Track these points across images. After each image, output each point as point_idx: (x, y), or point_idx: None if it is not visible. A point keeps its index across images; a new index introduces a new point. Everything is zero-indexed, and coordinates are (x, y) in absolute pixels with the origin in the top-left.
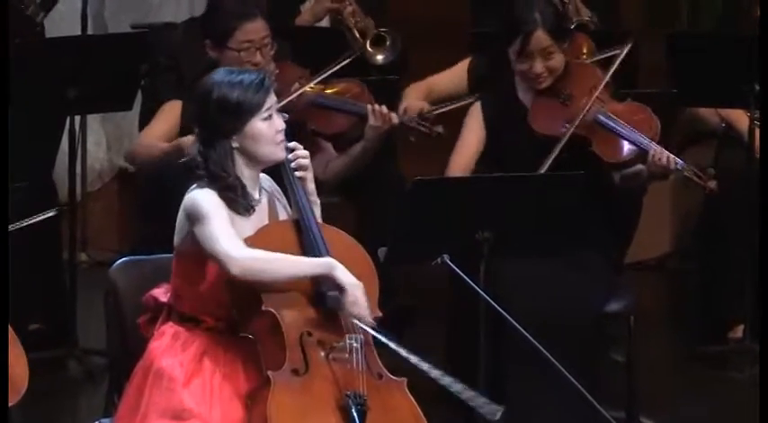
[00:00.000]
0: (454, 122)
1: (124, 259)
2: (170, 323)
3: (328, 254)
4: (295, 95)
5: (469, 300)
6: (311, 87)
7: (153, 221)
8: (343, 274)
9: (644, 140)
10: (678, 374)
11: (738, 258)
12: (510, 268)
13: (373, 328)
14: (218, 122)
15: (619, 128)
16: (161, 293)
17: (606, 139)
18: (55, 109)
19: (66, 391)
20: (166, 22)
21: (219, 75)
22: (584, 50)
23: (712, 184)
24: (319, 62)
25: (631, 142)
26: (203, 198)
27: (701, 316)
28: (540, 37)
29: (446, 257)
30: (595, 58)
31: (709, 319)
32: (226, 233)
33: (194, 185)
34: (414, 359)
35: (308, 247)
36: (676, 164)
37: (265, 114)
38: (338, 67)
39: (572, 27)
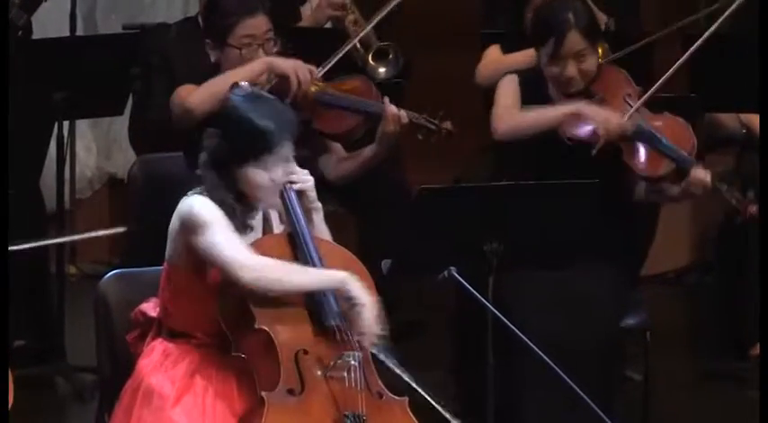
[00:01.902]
0: (463, 123)
1: (115, 272)
2: (159, 339)
3: (324, 266)
4: (299, 95)
5: (477, 315)
6: (316, 84)
7: (146, 232)
8: (359, 289)
9: (687, 157)
10: (696, 393)
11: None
12: (520, 281)
13: (377, 350)
14: (224, 150)
15: (658, 141)
16: (150, 308)
17: (641, 152)
18: (42, 113)
19: (54, 410)
20: (159, 23)
21: (248, 107)
22: (600, 54)
23: (753, 208)
24: (322, 62)
25: (672, 158)
26: (201, 206)
27: (720, 332)
28: (574, 39)
29: (453, 270)
30: (612, 57)
31: (728, 335)
32: (231, 239)
33: (191, 191)
34: (414, 383)
35: (302, 261)
36: (718, 185)
37: (265, 164)
38: (340, 55)
39: None
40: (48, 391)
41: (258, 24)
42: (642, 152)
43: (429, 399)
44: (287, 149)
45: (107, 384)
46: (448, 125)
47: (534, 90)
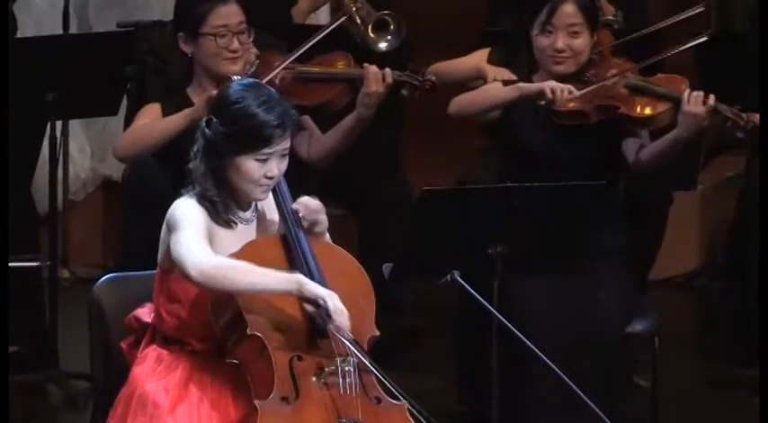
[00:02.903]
0: (467, 123)
1: (109, 276)
2: (153, 346)
3: (318, 269)
4: (275, 75)
5: (482, 320)
6: (291, 66)
7: (140, 235)
8: (313, 288)
9: (679, 94)
10: (706, 401)
11: None
12: (525, 286)
13: (351, 342)
14: (221, 138)
15: (649, 86)
16: (145, 313)
17: (634, 100)
18: (34, 113)
19: (47, 418)
20: (154, 20)
21: (251, 97)
22: (605, 43)
23: (755, 117)
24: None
25: (666, 97)
26: (182, 206)
27: (730, 338)
28: (569, 10)
29: (456, 274)
30: (615, 43)
31: (739, 341)
32: (194, 239)
33: (183, 190)
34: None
35: (296, 263)
36: (716, 104)
37: (262, 156)
38: (314, 41)
39: None
40: (40, 398)
41: (231, 13)
42: (634, 100)
43: (407, 401)
44: (285, 144)
45: (101, 392)
46: (432, 77)
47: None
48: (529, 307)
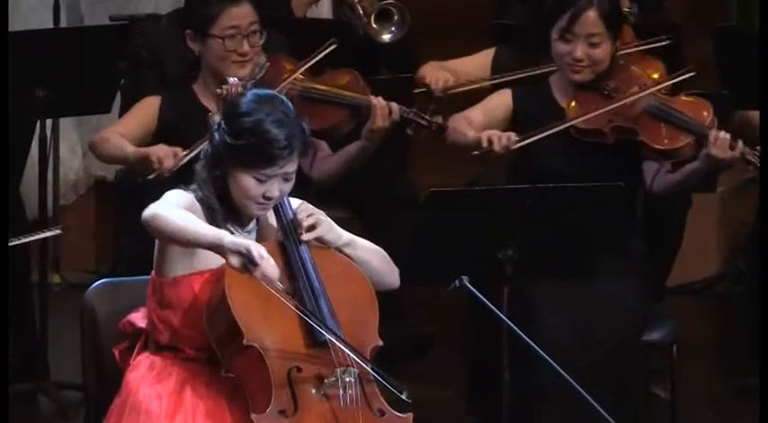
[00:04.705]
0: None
1: (102, 281)
2: (146, 353)
3: (318, 278)
4: (282, 88)
5: (491, 327)
6: (299, 78)
7: (134, 238)
8: (234, 239)
9: (703, 127)
10: (726, 411)
11: None
12: (537, 292)
13: (298, 308)
14: (225, 148)
15: (671, 113)
16: (139, 318)
17: (656, 127)
18: (23, 111)
19: None
20: (148, 14)
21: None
22: (627, 41)
23: None
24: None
25: (688, 129)
26: (170, 192)
27: (751, 346)
28: (591, 19)
29: (465, 279)
30: (637, 48)
31: (760, 349)
32: (163, 203)
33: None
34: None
35: (294, 269)
36: (743, 148)
37: (263, 177)
38: (324, 52)
39: None
40: (29, 409)
41: (243, 14)
42: (656, 128)
43: (379, 377)
44: (291, 167)
45: (93, 402)
46: (439, 119)
47: (537, 99)
48: (540, 314)
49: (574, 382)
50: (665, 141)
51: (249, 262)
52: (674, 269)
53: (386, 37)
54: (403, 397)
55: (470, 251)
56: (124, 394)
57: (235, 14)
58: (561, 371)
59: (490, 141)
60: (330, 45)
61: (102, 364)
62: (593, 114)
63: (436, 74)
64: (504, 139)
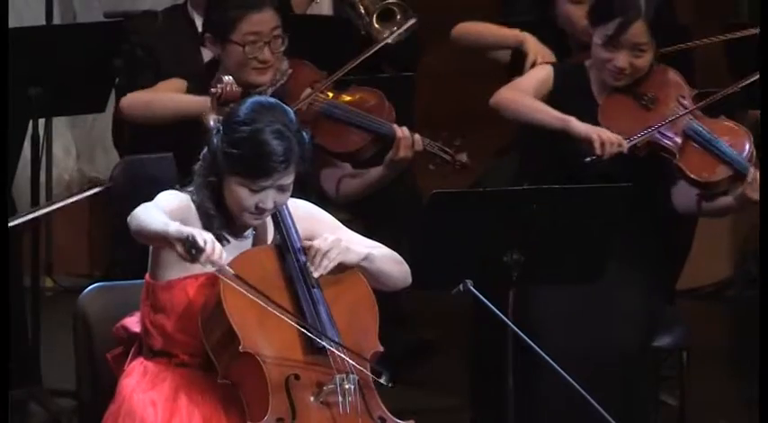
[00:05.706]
0: (479, 151)
1: (96, 285)
2: (140, 359)
3: (316, 280)
4: (304, 103)
5: (496, 332)
6: (323, 94)
7: (128, 241)
8: (179, 227)
9: (745, 162)
10: (738, 420)
11: None
12: (543, 295)
13: (286, 316)
14: (220, 154)
15: (715, 143)
16: (133, 323)
17: (696, 154)
18: (15, 110)
19: None
20: (144, 10)
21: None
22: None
23: None
24: (319, 55)
25: (729, 162)
26: (161, 194)
27: (764, 352)
28: (639, 30)
29: (469, 284)
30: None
31: (761, 354)
32: (144, 205)
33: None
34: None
35: (292, 273)
36: None
37: (256, 188)
38: (356, 63)
39: None
40: (20, 417)
41: (265, 20)
42: (697, 155)
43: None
44: (286, 179)
45: (87, 410)
46: (463, 158)
47: (574, 84)
48: (547, 319)
49: (581, 389)
50: (704, 173)
51: (194, 248)
52: (684, 273)
53: (388, 37)
54: (381, 381)
55: (475, 254)
56: (118, 401)
57: (256, 21)
58: (568, 377)
59: (602, 144)
60: (359, 57)
61: (96, 370)
62: (646, 135)
63: None
64: (615, 146)
